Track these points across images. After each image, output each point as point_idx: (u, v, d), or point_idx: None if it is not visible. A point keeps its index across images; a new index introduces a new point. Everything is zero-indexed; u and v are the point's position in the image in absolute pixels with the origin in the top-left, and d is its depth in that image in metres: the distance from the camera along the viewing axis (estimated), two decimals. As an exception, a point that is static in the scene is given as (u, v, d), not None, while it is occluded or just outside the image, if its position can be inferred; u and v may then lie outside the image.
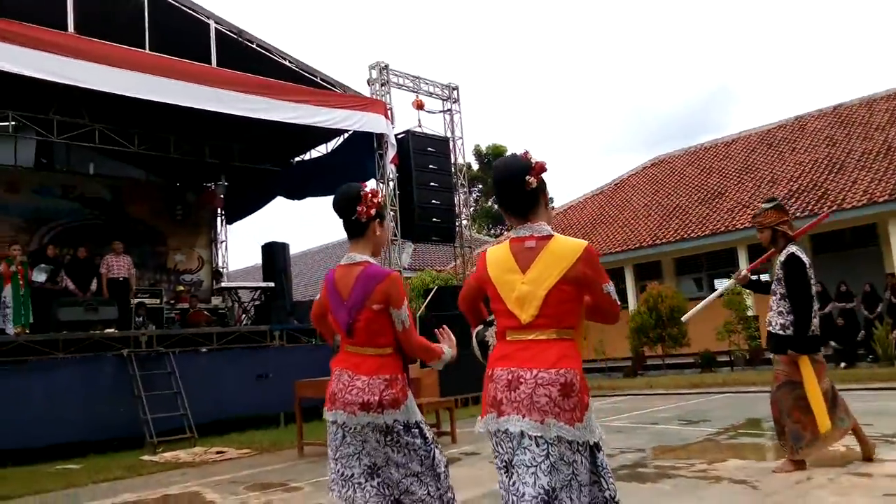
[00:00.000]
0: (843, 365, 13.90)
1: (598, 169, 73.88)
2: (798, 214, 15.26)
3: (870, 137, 16.86)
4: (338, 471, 2.79)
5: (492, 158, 40.65)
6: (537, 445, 2.14)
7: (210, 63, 10.59)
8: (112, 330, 10.01)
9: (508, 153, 2.55)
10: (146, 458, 8.16)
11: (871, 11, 65.84)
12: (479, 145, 41.40)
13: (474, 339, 2.70)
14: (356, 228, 2.86)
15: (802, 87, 68.76)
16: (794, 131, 19.78)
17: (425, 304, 11.60)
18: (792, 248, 4.50)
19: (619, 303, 2.33)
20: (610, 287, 2.28)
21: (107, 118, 12.02)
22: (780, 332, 4.43)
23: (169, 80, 9.89)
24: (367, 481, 2.76)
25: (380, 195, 2.96)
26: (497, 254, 2.37)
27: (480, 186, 41.15)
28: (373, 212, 2.85)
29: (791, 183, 16.79)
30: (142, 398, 9.01)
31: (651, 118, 72.50)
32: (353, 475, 2.77)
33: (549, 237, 2.29)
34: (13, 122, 12.00)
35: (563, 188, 71.89)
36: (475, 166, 41.09)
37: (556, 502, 2.10)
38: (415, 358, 2.90)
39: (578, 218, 22.73)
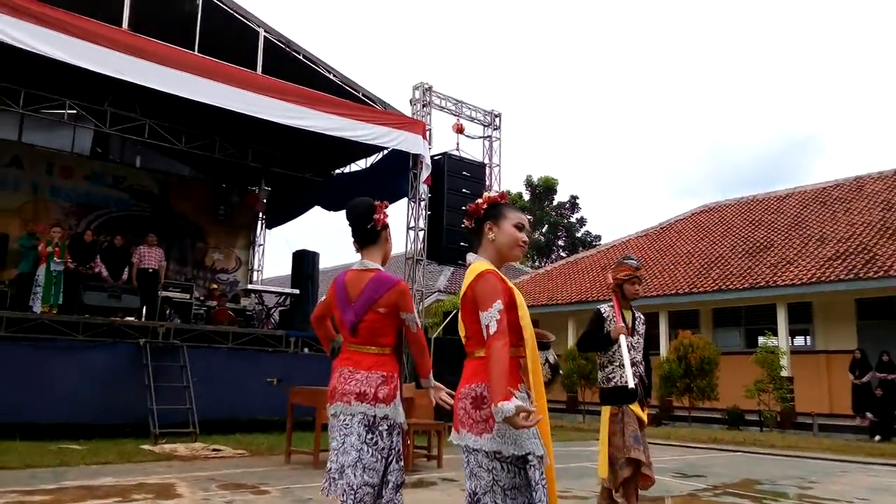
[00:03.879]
0: (877, 438, 13.24)
1: (670, 210, 72.65)
2: (842, 276, 14.72)
3: (929, 204, 16.17)
4: (327, 462, 2.99)
5: (542, 190, 40.53)
6: (463, 454, 2.35)
7: (256, 70, 10.89)
8: (132, 318, 10.27)
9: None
10: (146, 447, 8.30)
11: (956, 77, 63.41)
12: (530, 176, 41.26)
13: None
14: (370, 236, 3.09)
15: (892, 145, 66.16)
16: (850, 191, 19.11)
17: (442, 326, 11.55)
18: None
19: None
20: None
21: (157, 114, 12.46)
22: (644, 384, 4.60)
23: (214, 82, 10.21)
24: (338, 479, 2.91)
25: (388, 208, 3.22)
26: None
27: (529, 217, 40.88)
28: (387, 220, 3.12)
29: (839, 244, 16.17)
30: (150, 388, 9.18)
31: (730, 161, 70.68)
32: (331, 469, 2.95)
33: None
34: (71, 111, 12.58)
35: (626, 226, 70.85)
36: (526, 196, 40.97)
37: None
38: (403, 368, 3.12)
39: (620, 258, 22.34)
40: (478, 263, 2.46)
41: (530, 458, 2.24)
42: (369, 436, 2.89)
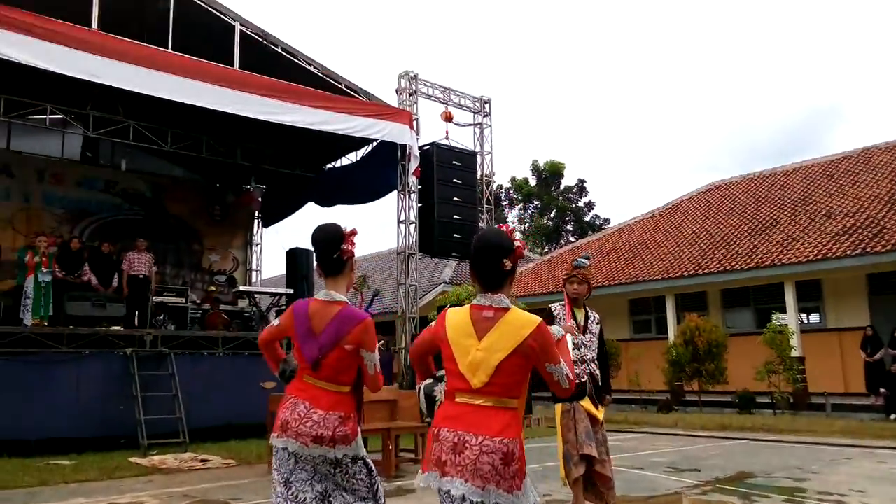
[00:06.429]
0: (892, 417, 12.88)
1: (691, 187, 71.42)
2: (849, 252, 14.29)
3: (939, 174, 15.65)
4: (292, 494, 2.84)
5: (549, 175, 40.08)
6: None
7: (233, 65, 10.62)
8: (117, 328, 10.08)
9: (494, 227, 2.77)
10: (134, 459, 8.11)
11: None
12: (536, 160, 40.88)
13: (421, 392, 2.95)
14: (336, 266, 2.97)
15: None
16: (858, 163, 18.58)
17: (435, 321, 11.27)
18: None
19: (564, 382, 2.42)
20: (554, 367, 2.39)
21: (141, 115, 12.22)
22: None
23: (191, 80, 9.98)
24: None
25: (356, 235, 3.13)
26: (457, 317, 2.52)
27: (536, 203, 40.60)
28: (354, 251, 3.01)
29: (847, 218, 15.71)
30: (138, 399, 9.00)
31: (753, 136, 69.36)
32: (305, 500, 2.83)
33: (507, 309, 2.43)
34: (57, 116, 12.34)
35: (642, 207, 70.04)
36: (532, 182, 40.58)
37: None
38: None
39: (625, 241, 21.99)
40: (521, 312, 2.45)
41: None
42: (337, 469, 2.85)
